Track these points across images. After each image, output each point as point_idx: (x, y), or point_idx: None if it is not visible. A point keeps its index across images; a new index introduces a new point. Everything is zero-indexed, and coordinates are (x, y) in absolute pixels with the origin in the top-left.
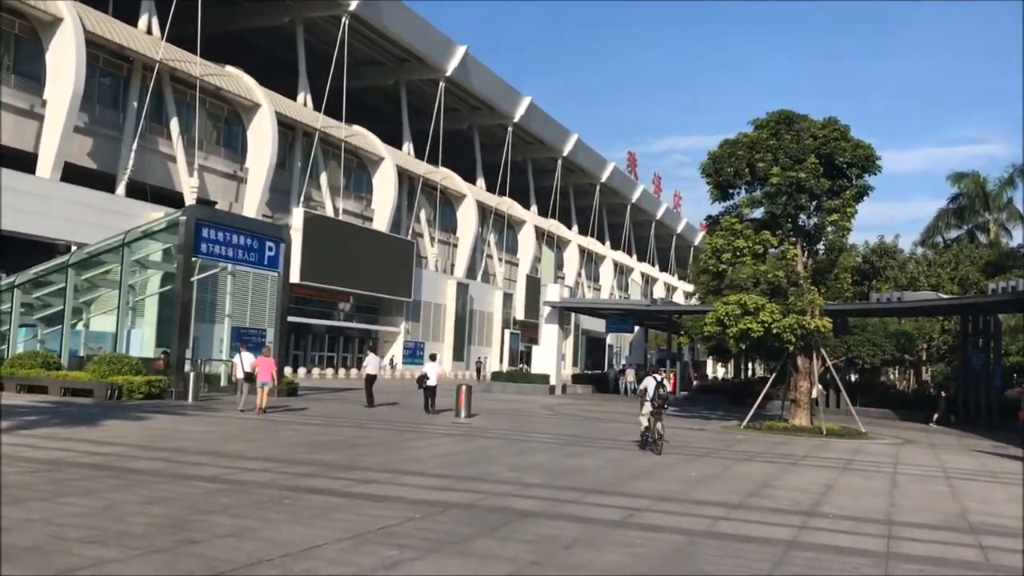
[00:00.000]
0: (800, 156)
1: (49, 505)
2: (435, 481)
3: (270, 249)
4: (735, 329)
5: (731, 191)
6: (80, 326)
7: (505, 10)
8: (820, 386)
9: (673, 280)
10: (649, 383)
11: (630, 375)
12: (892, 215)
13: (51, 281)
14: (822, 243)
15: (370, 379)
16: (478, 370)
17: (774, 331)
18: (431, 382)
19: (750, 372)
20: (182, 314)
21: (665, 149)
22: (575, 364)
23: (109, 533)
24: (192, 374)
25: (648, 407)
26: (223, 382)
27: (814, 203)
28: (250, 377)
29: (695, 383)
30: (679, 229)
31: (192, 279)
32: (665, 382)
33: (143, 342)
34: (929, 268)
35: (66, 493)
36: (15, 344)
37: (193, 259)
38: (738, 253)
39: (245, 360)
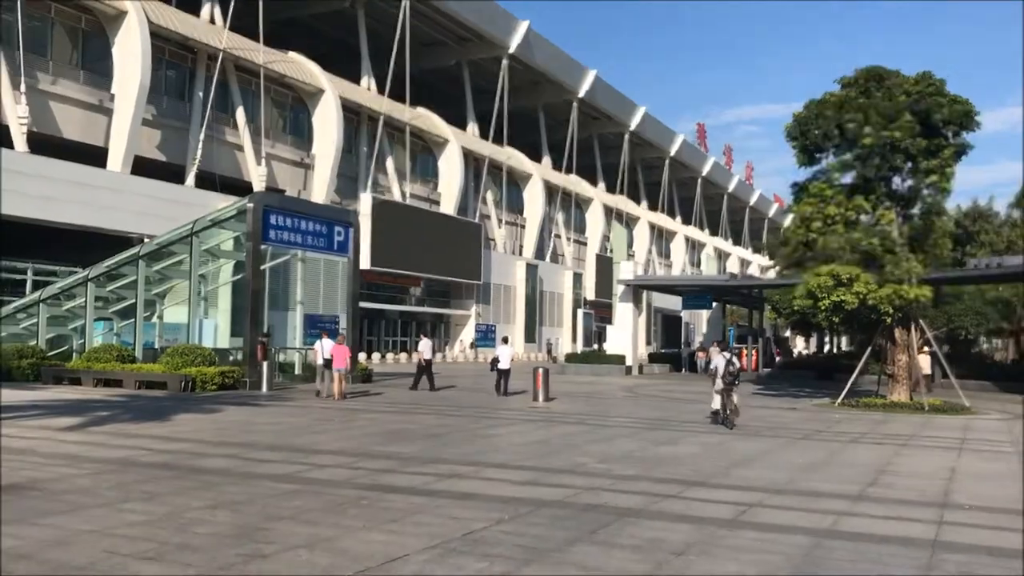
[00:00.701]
0: (893, 114)
1: (109, 512)
2: (520, 475)
3: (339, 234)
4: (827, 302)
5: (818, 155)
6: (155, 318)
7: None
8: (926, 358)
9: (747, 254)
10: (719, 360)
11: (714, 355)
12: (975, 180)
13: (124, 274)
14: (917, 207)
15: (426, 364)
16: (549, 351)
17: (870, 302)
18: (503, 365)
19: (834, 347)
20: (253, 303)
21: (733, 120)
22: (648, 343)
23: (169, 546)
24: (266, 363)
25: (720, 383)
26: (298, 370)
27: (909, 164)
28: (330, 363)
29: (778, 359)
30: (752, 201)
31: (263, 267)
32: (735, 359)
33: (217, 332)
34: None
35: (129, 498)
36: (91, 338)
37: (262, 246)
38: (829, 221)
39: (325, 346)
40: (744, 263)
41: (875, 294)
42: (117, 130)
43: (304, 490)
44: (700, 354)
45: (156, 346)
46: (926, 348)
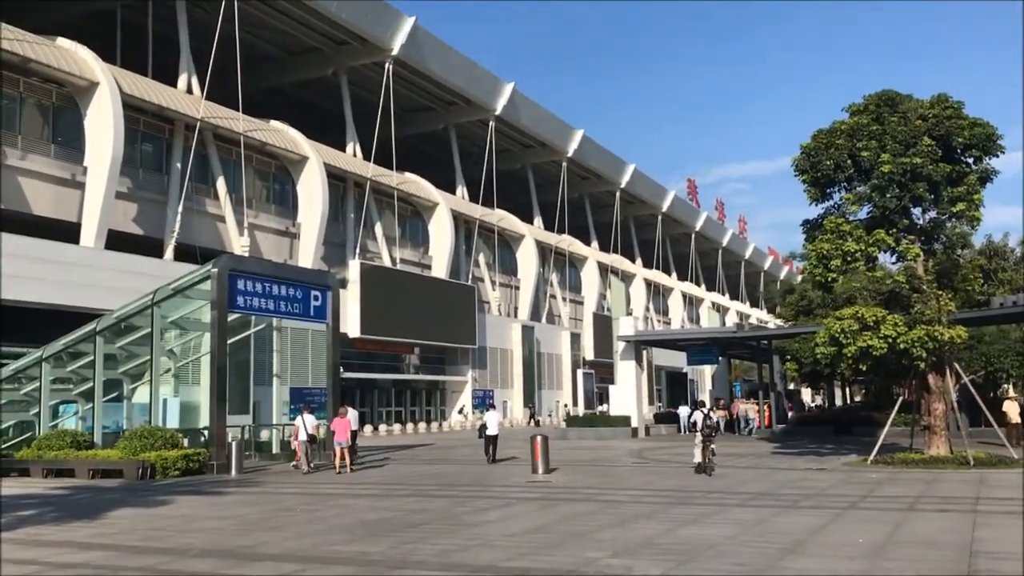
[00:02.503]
0: (910, 140)
1: None
2: None
3: (315, 298)
4: (853, 348)
5: (829, 190)
6: (123, 398)
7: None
8: (1014, 406)
9: (745, 308)
10: (698, 416)
11: (743, 408)
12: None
13: (84, 352)
14: (940, 240)
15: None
16: (532, 416)
17: (901, 347)
18: (491, 431)
19: (846, 399)
20: (219, 378)
21: (720, 178)
22: (651, 402)
23: None
24: (234, 444)
25: (699, 436)
26: (275, 449)
27: (931, 194)
28: (313, 440)
29: (791, 415)
30: (747, 255)
31: (236, 338)
32: (712, 414)
33: (193, 411)
34: None
35: None
36: (46, 424)
37: (231, 315)
38: (848, 258)
39: (308, 422)
40: (743, 317)
41: (905, 337)
42: (90, 204)
43: None
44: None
45: (125, 428)
46: (1011, 393)
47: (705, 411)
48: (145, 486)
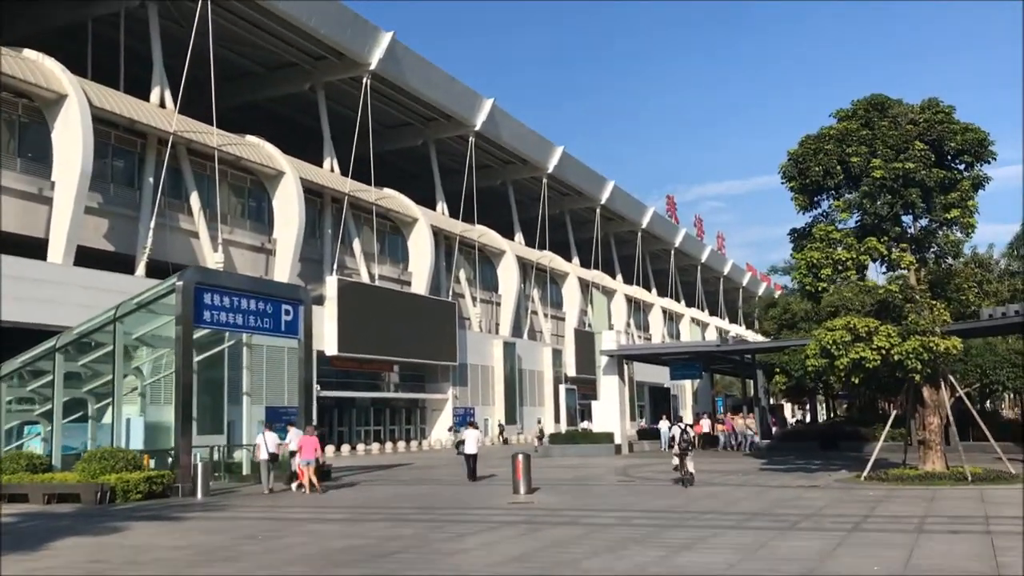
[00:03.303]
0: (902, 145)
1: None
2: None
3: (287, 313)
4: (846, 360)
5: (818, 197)
6: (88, 419)
7: (519, 63)
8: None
9: (724, 323)
10: (675, 431)
11: (741, 423)
12: None
13: (44, 370)
14: (932, 249)
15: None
16: (501, 432)
17: (895, 358)
18: (470, 449)
19: (829, 413)
20: (184, 396)
21: (698, 196)
22: (632, 419)
23: None
24: (200, 466)
25: (676, 450)
26: (245, 470)
27: (924, 201)
28: (275, 458)
29: (774, 429)
30: (726, 271)
31: (208, 353)
32: (689, 429)
33: (166, 431)
34: None
35: None
36: (3, 447)
37: (197, 331)
38: (840, 267)
39: (269, 441)
40: (722, 332)
41: (900, 348)
42: (58, 219)
43: None
44: (697, 428)
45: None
46: None
47: (682, 426)
48: (103, 511)
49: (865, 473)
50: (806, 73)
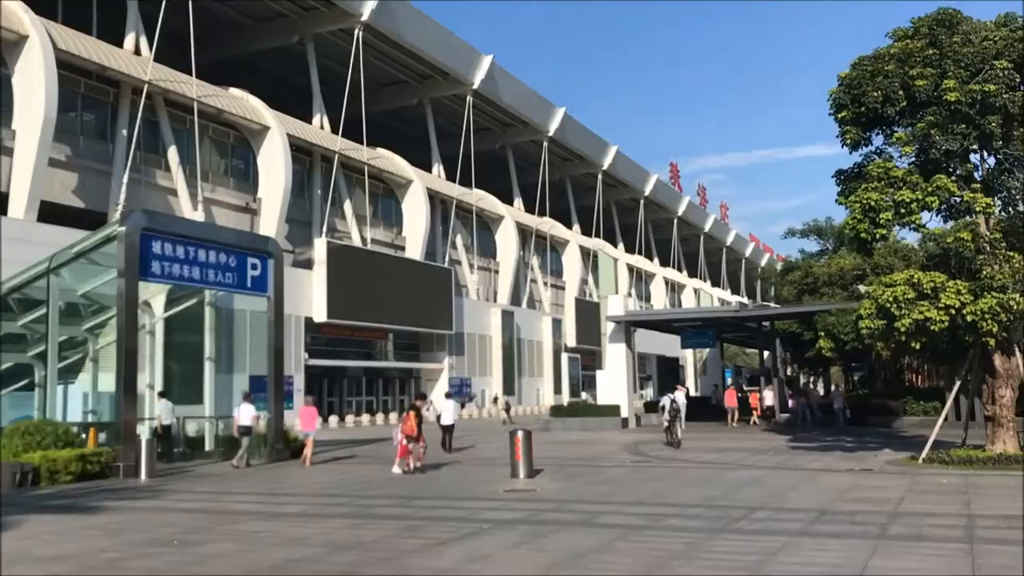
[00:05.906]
0: (978, 65)
1: None
2: None
3: (253, 267)
4: (908, 320)
5: (871, 131)
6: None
7: (522, 24)
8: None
9: (727, 295)
10: (666, 400)
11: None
12: None
13: None
14: (1001, 193)
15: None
16: (507, 409)
17: (968, 318)
18: (447, 420)
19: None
20: (127, 364)
21: (699, 168)
22: (635, 391)
23: None
24: (144, 442)
25: (666, 416)
26: (208, 445)
27: (1004, 130)
28: (248, 431)
29: (791, 403)
30: (729, 241)
31: (176, 310)
32: (679, 398)
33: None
34: None
35: None
36: None
37: (145, 284)
38: (903, 210)
39: (243, 413)
40: (724, 303)
41: (973, 308)
42: (19, 172)
43: None
44: (753, 398)
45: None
46: None
47: (672, 396)
48: (13, 498)
49: (924, 455)
50: (815, 50)
